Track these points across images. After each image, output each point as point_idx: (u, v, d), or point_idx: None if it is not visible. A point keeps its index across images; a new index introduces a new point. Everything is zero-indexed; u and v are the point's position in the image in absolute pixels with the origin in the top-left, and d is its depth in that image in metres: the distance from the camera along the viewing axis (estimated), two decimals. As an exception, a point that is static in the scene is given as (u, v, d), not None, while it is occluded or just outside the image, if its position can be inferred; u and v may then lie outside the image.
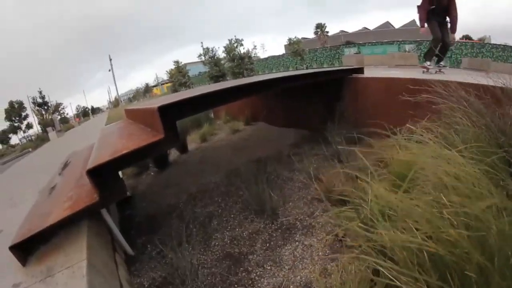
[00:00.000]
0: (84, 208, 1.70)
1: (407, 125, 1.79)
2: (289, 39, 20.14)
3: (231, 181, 3.09)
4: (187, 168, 4.16)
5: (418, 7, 4.13)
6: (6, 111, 30.98)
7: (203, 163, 4.18)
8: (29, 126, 32.11)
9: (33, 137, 27.22)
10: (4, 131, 32.48)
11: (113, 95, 41.18)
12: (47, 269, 1.45)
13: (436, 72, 4.04)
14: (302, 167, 2.83)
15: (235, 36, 19.01)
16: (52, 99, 32.37)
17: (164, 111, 1.76)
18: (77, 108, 53.13)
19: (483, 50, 19.86)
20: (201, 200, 2.90)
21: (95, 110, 54.92)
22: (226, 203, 2.69)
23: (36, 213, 2.02)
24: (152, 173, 4.33)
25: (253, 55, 16.98)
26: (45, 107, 29.71)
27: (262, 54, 34.08)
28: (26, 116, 31.80)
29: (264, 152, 3.81)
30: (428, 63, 4.24)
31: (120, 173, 3.80)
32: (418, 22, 4.14)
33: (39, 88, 29.38)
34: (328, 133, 3.13)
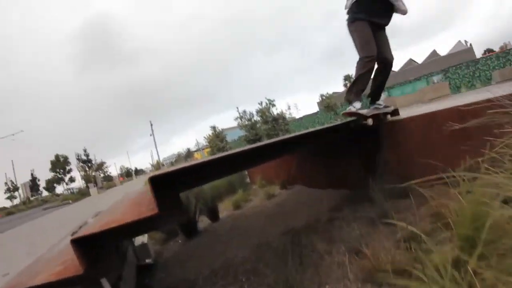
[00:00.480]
0: (69, 278, 1.46)
1: (463, 163, 1.39)
2: (321, 95, 20.68)
3: (260, 256, 2.68)
4: (215, 238, 3.86)
5: None
6: (52, 163, 34.41)
7: (232, 233, 3.85)
8: (72, 180, 35.35)
9: (75, 190, 29.18)
10: (49, 181, 35.80)
11: (156, 159, 44.81)
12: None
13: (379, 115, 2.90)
14: (343, 236, 2.37)
15: (265, 97, 19.85)
16: (97, 158, 36.14)
17: (158, 181, 1.52)
18: (121, 168, 58.01)
19: (509, 57, 18.81)
20: (223, 277, 2.52)
21: (138, 172, 59.41)
22: (250, 284, 2.26)
23: (33, 267, 1.82)
24: (180, 241, 4.16)
25: (287, 115, 17.27)
26: (89, 164, 32.43)
27: (297, 114, 35.05)
28: (70, 170, 34.98)
29: (300, 219, 3.40)
30: (356, 104, 2.77)
31: (146, 237, 3.64)
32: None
33: (84, 147, 32.71)
34: (370, 190, 2.69)
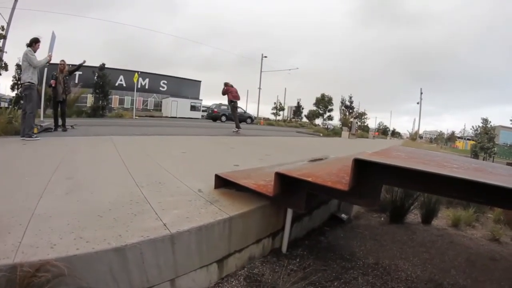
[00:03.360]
0: (261, 193, 2.39)
1: None
2: None
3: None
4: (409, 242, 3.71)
5: None
6: (317, 99, 43.78)
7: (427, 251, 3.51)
8: (330, 118, 43.83)
9: (330, 127, 33.66)
10: (310, 111, 46.03)
11: (416, 129, 43.88)
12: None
13: None
14: None
15: None
16: (361, 107, 40.78)
17: (363, 165, 1.85)
18: (379, 124, 60.76)
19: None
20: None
21: (394, 134, 60.57)
22: None
23: (250, 171, 2.68)
24: (382, 218, 4.48)
25: None
26: (350, 110, 36.03)
27: None
28: (331, 110, 43.15)
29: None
30: None
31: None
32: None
33: (350, 94, 36.43)
34: None
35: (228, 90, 11.14)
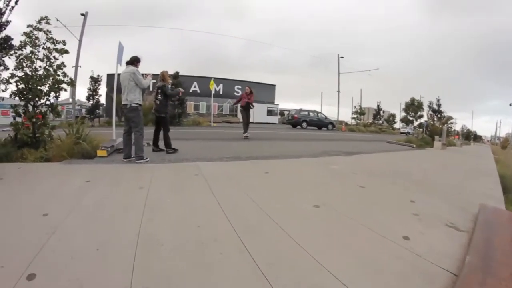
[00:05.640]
0: None
1: None
2: None
3: None
4: None
5: None
6: (406, 104, 39.83)
7: None
8: (421, 125, 37.72)
9: (413, 133, 29.85)
10: (391, 115, 45.73)
11: (504, 132, 37.14)
12: None
13: None
14: None
15: None
16: (444, 110, 34.30)
17: None
18: (462, 127, 57.67)
19: None
20: None
21: (476, 137, 55.01)
22: None
23: None
24: None
25: None
26: (438, 115, 31.01)
27: None
28: (421, 116, 38.03)
29: None
30: None
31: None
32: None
33: (438, 97, 31.01)
34: None
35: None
